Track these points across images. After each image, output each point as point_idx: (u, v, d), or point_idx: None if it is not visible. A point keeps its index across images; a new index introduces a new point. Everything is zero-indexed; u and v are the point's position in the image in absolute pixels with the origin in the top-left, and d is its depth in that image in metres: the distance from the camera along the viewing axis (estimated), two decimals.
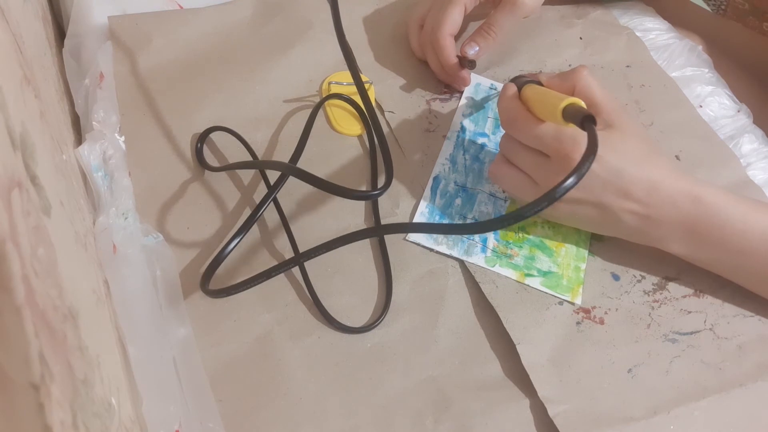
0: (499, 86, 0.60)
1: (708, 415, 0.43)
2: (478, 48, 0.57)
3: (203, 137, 0.53)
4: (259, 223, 0.49)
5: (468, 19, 0.60)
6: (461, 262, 0.49)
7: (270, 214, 0.50)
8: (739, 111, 0.61)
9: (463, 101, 0.59)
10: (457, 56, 0.57)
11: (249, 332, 0.45)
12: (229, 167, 0.51)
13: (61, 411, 0.23)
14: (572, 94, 0.46)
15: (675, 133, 0.58)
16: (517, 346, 0.45)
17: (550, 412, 0.42)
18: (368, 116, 0.50)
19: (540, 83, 0.49)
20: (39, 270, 0.26)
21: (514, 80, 0.51)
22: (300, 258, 0.45)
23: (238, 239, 0.47)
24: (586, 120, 0.40)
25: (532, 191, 0.47)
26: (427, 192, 0.52)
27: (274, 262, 0.48)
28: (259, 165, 0.52)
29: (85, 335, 0.31)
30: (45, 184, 0.32)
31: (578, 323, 0.47)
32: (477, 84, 0.60)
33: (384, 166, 0.49)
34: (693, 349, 0.46)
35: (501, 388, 0.44)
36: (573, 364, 0.45)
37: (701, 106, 0.61)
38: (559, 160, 0.44)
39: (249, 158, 0.52)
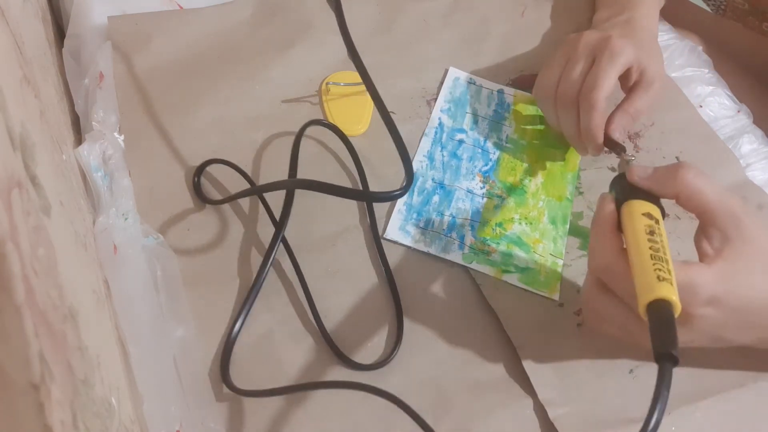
0: (479, 81, 0.59)
1: (709, 415, 0.43)
2: (623, 131, 0.52)
3: (200, 171, 0.51)
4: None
5: None
6: (463, 265, 0.49)
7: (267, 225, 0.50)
8: (739, 111, 0.61)
9: (440, 97, 0.58)
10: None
11: (249, 332, 0.45)
12: (230, 199, 0.49)
13: (61, 411, 0.23)
14: (675, 199, 0.39)
15: (675, 133, 0.58)
16: (517, 350, 0.45)
17: (551, 415, 0.42)
18: (381, 113, 0.48)
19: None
20: (39, 270, 0.25)
21: (614, 181, 0.42)
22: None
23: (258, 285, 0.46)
24: (663, 358, 0.33)
25: (638, 329, 0.37)
26: None
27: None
28: (261, 189, 0.50)
29: (85, 335, 0.31)
30: (45, 184, 0.32)
31: (579, 325, 0.47)
32: (456, 78, 0.59)
33: (402, 163, 0.46)
34: (693, 349, 0.46)
35: (502, 389, 0.44)
36: (574, 365, 0.45)
37: (701, 107, 0.61)
38: None
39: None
